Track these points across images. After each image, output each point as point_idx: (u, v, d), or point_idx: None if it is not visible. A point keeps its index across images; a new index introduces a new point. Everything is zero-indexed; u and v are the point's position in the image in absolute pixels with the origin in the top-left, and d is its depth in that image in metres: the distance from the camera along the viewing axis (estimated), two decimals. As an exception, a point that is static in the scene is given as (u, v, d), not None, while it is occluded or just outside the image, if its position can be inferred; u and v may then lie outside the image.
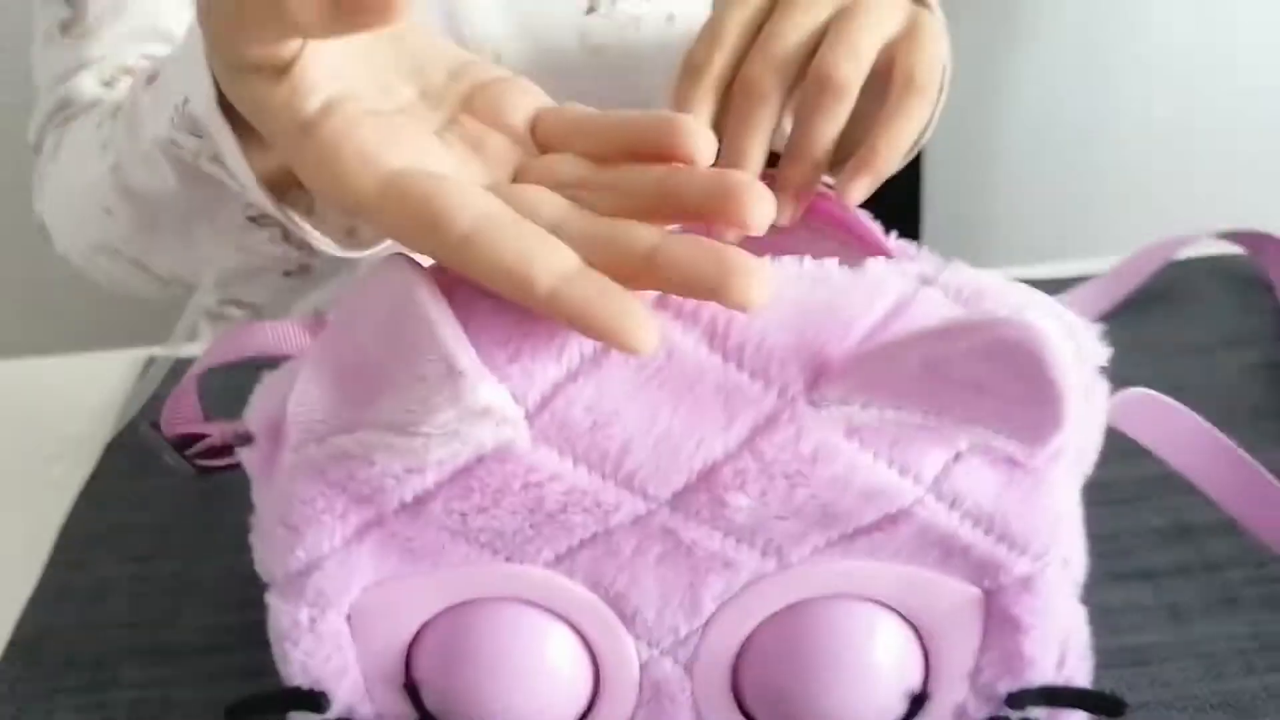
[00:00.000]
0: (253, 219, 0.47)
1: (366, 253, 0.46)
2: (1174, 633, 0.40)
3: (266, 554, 0.32)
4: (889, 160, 0.38)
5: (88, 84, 0.60)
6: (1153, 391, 0.36)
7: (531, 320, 0.29)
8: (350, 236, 0.45)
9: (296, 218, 0.42)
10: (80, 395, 0.58)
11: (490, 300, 0.30)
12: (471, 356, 0.28)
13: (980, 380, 0.28)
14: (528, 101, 0.35)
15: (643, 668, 0.33)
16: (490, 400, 0.28)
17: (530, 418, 0.29)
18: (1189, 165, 1.31)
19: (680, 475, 0.30)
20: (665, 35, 0.66)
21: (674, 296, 0.30)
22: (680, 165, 0.31)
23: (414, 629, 0.33)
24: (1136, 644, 0.40)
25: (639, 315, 0.27)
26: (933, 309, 0.30)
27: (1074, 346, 0.30)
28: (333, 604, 0.32)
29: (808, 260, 0.31)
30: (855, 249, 0.40)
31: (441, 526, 0.31)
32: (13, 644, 0.44)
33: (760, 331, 0.29)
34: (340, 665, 0.33)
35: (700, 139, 0.31)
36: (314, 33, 0.29)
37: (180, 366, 0.57)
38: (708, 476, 0.30)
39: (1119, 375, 0.34)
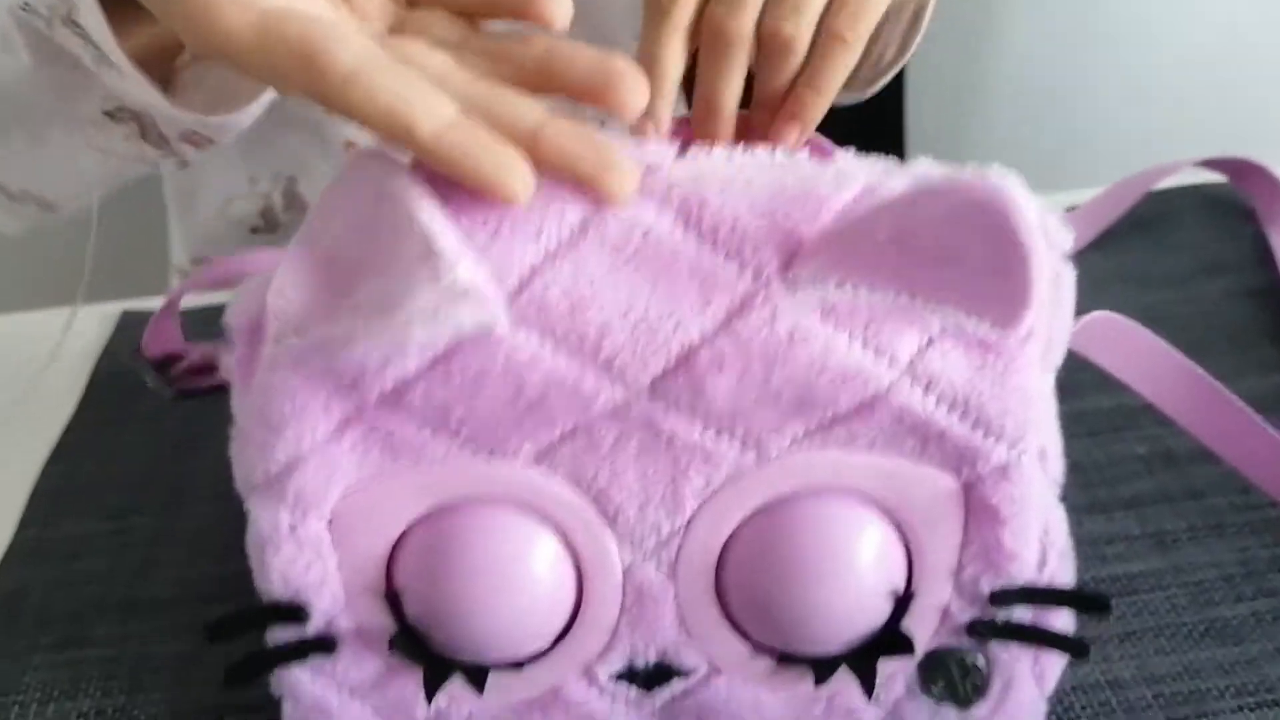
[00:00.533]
0: (109, 114, 0.46)
1: (226, 121, 0.44)
2: (1160, 560, 0.40)
3: (246, 458, 0.32)
4: (816, 108, 0.40)
5: None
6: (1117, 315, 0.37)
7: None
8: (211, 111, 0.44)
9: (150, 85, 0.40)
10: (51, 350, 0.57)
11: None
12: (450, 236, 0.29)
13: (949, 246, 0.29)
14: None
15: (626, 572, 0.33)
16: (469, 280, 0.28)
17: (509, 299, 0.30)
18: (1175, 93, 1.33)
19: (658, 359, 0.30)
20: None
21: (649, 180, 0.31)
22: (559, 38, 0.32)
23: (395, 534, 0.33)
24: (1123, 573, 0.40)
25: (518, 167, 0.29)
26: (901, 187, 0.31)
27: (1040, 230, 0.31)
28: (313, 507, 0.32)
29: (779, 151, 0.32)
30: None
31: (422, 419, 0.31)
32: None
33: (734, 213, 0.30)
34: (320, 574, 0.33)
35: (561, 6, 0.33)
36: None
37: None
38: (686, 360, 0.30)
39: (1100, 305, 0.35)
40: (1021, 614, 0.33)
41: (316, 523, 0.32)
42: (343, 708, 0.34)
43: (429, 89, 0.30)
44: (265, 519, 0.32)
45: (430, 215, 0.29)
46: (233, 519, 0.42)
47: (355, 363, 0.30)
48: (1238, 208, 0.60)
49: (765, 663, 0.34)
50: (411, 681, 0.34)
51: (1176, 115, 1.32)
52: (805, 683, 0.34)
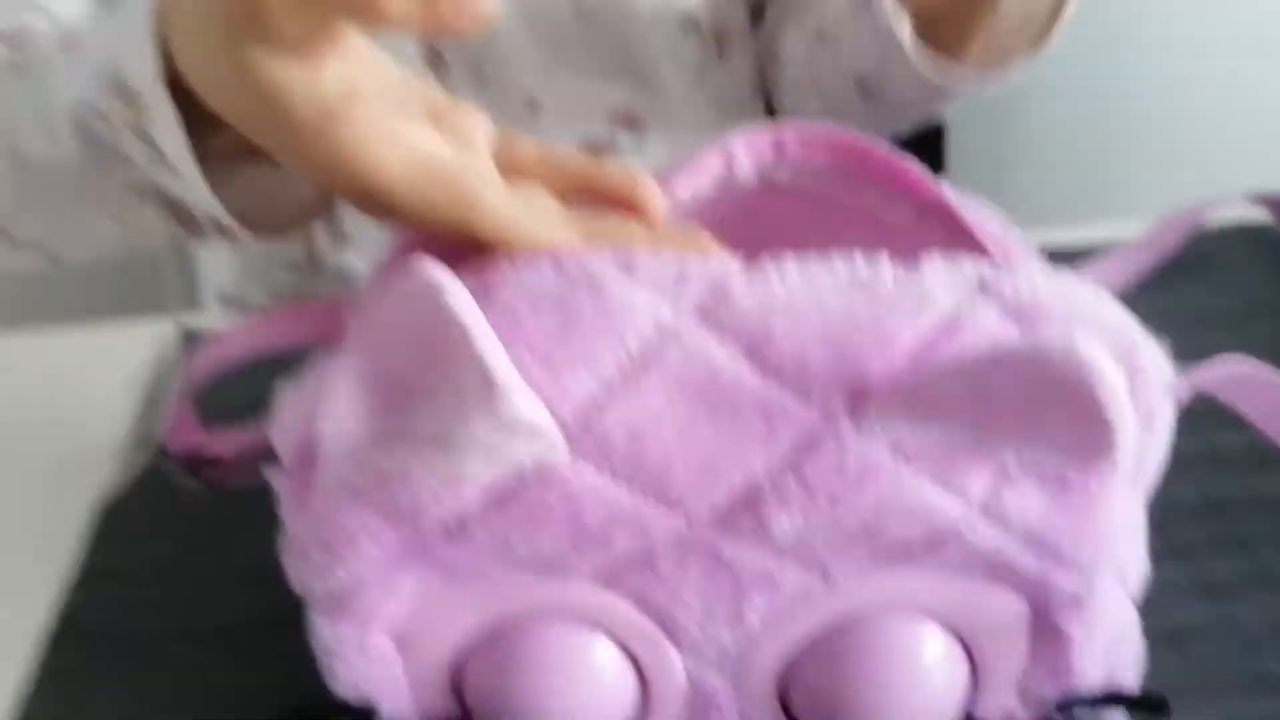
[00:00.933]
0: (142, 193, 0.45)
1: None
2: (1208, 611, 0.40)
3: (304, 572, 0.32)
4: None
5: None
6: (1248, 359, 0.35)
7: (567, 327, 0.29)
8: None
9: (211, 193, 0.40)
10: (105, 366, 0.57)
11: (526, 302, 0.30)
12: (507, 367, 0.28)
13: (1029, 409, 0.27)
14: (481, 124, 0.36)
15: (689, 679, 0.33)
16: (528, 415, 0.28)
17: (568, 433, 0.29)
18: (1216, 124, 1.28)
19: (721, 494, 0.29)
20: None
21: (714, 309, 0.29)
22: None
23: (459, 645, 0.33)
24: (1172, 626, 0.39)
25: None
26: (984, 328, 0.29)
27: (1136, 365, 0.29)
28: (376, 621, 0.32)
29: (857, 261, 0.30)
30: (933, 222, 0.38)
31: (483, 549, 0.31)
32: (53, 628, 0.44)
33: (801, 347, 0.29)
34: (387, 679, 0.33)
35: (655, 198, 0.35)
36: (396, 24, 0.29)
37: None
38: (749, 496, 0.29)
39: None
40: (1083, 713, 0.33)
41: (379, 635, 0.32)
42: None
43: (558, 223, 0.33)
44: (329, 631, 0.32)
45: (488, 343, 0.28)
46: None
47: (412, 498, 0.30)
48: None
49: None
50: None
51: (1218, 135, 1.26)
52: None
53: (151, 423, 0.52)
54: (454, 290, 0.29)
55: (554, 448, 0.28)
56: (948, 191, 0.37)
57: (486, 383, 0.27)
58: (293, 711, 0.34)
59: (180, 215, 0.43)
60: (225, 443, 0.37)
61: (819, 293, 0.29)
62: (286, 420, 0.32)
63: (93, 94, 0.41)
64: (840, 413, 0.29)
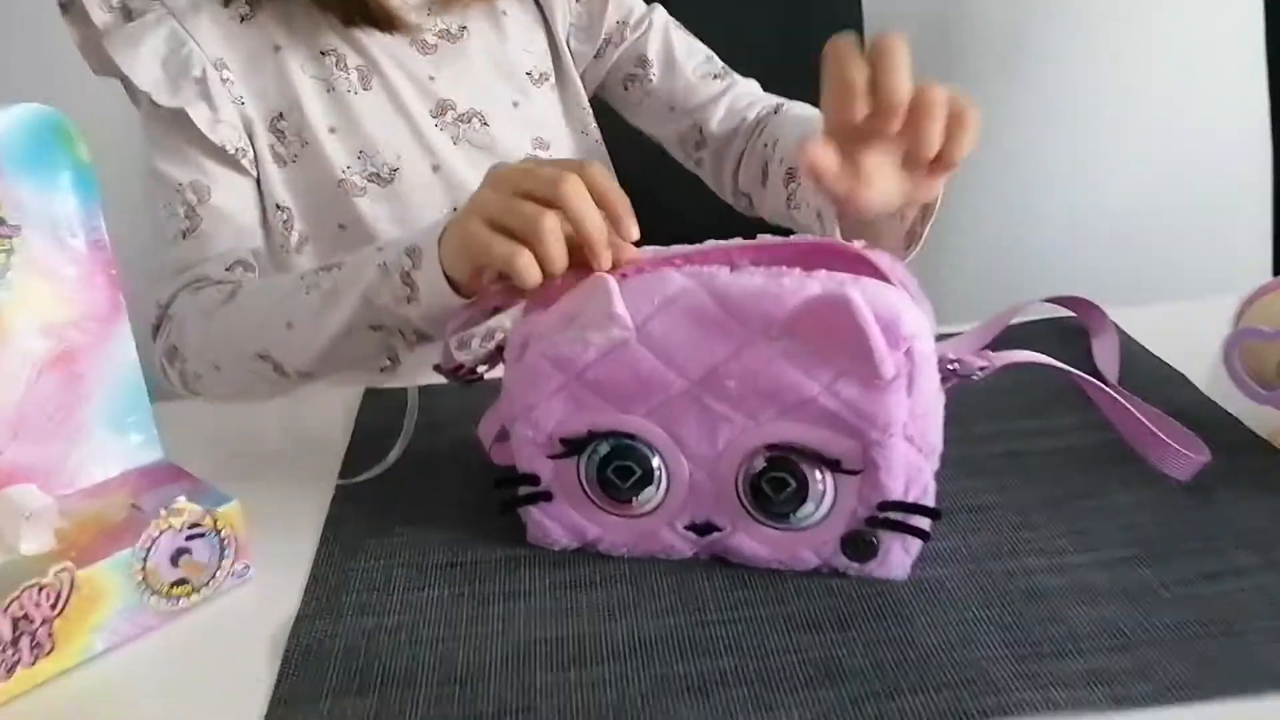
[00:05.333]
0: (374, 327, 0.80)
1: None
2: (998, 496, 0.69)
3: (512, 402, 0.67)
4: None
5: (214, 269, 0.96)
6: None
7: (641, 286, 0.63)
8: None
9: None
10: (324, 417, 0.91)
11: (638, 279, 0.64)
12: (618, 298, 0.62)
13: (836, 326, 0.59)
14: None
15: (690, 475, 0.65)
16: (620, 313, 0.62)
17: (636, 329, 0.63)
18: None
19: (701, 367, 0.62)
20: None
21: (709, 280, 0.63)
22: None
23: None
24: (975, 504, 0.69)
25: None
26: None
27: (900, 331, 0.60)
28: (542, 427, 0.67)
29: (789, 270, 0.63)
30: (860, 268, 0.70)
31: (595, 388, 0.65)
32: (325, 539, 0.72)
33: (743, 300, 0.62)
34: (545, 462, 0.67)
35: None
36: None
37: (387, 394, 0.93)
38: (715, 370, 0.62)
39: (970, 435, 0.64)
40: (896, 515, 0.63)
41: (543, 436, 0.67)
42: (555, 529, 0.69)
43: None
44: (520, 433, 0.67)
45: (613, 288, 0.63)
46: (470, 498, 0.78)
47: (565, 353, 0.64)
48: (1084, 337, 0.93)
49: (764, 529, 0.65)
50: (588, 521, 0.68)
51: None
52: (785, 542, 0.65)
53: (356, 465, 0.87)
54: (606, 277, 0.64)
55: (629, 332, 0.62)
56: (863, 249, 0.69)
57: (608, 299, 0.62)
58: (500, 479, 0.69)
59: (392, 338, 0.83)
60: (467, 363, 0.73)
61: (757, 276, 0.62)
62: (517, 329, 0.67)
63: (391, 257, 0.80)
64: (760, 334, 0.61)
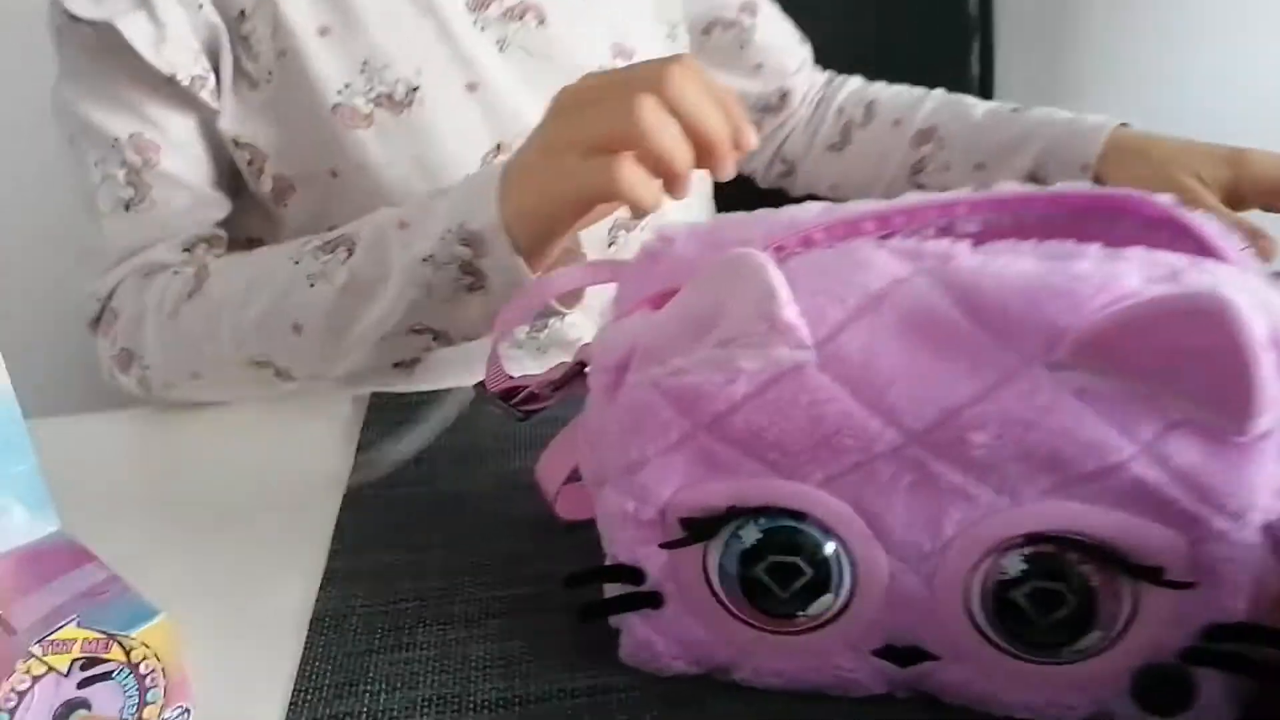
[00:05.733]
0: (417, 330, 0.64)
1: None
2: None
3: (604, 456, 0.42)
4: None
5: (167, 252, 0.74)
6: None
7: (826, 274, 0.38)
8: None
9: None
10: (325, 426, 0.69)
11: (801, 263, 0.39)
12: (787, 290, 0.37)
13: (1184, 355, 0.34)
14: None
15: (891, 577, 0.41)
16: (791, 320, 0.37)
17: (818, 347, 0.38)
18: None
19: (932, 411, 0.37)
20: None
21: (939, 268, 0.38)
22: None
23: (711, 526, 0.42)
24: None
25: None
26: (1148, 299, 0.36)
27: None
28: (652, 498, 0.42)
29: (1068, 244, 0.38)
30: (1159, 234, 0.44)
31: (741, 442, 0.40)
32: (316, 619, 0.50)
33: (1004, 302, 0.37)
34: (654, 550, 0.43)
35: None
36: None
37: (398, 399, 0.70)
38: (955, 415, 0.37)
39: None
40: (1231, 647, 0.39)
41: (653, 510, 0.42)
42: (664, 647, 0.44)
43: None
44: (615, 503, 0.42)
45: (773, 270, 0.38)
46: (509, 555, 0.54)
47: (696, 386, 0.39)
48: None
49: (1000, 659, 0.41)
50: (712, 638, 0.43)
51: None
52: (1032, 678, 0.41)
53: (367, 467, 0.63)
54: (756, 254, 0.39)
55: (806, 351, 0.37)
56: (1175, 208, 0.43)
57: (768, 293, 0.37)
58: (581, 571, 0.44)
59: (438, 339, 0.64)
60: (535, 382, 0.47)
61: (1026, 263, 0.37)
62: (609, 339, 0.42)
63: (439, 247, 0.60)
64: (1035, 358, 0.37)
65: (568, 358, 0.47)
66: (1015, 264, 0.37)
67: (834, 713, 0.43)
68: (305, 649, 0.49)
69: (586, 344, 0.44)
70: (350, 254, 0.64)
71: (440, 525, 0.57)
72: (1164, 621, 0.39)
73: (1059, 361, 0.36)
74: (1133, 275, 0.37)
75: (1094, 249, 0.38)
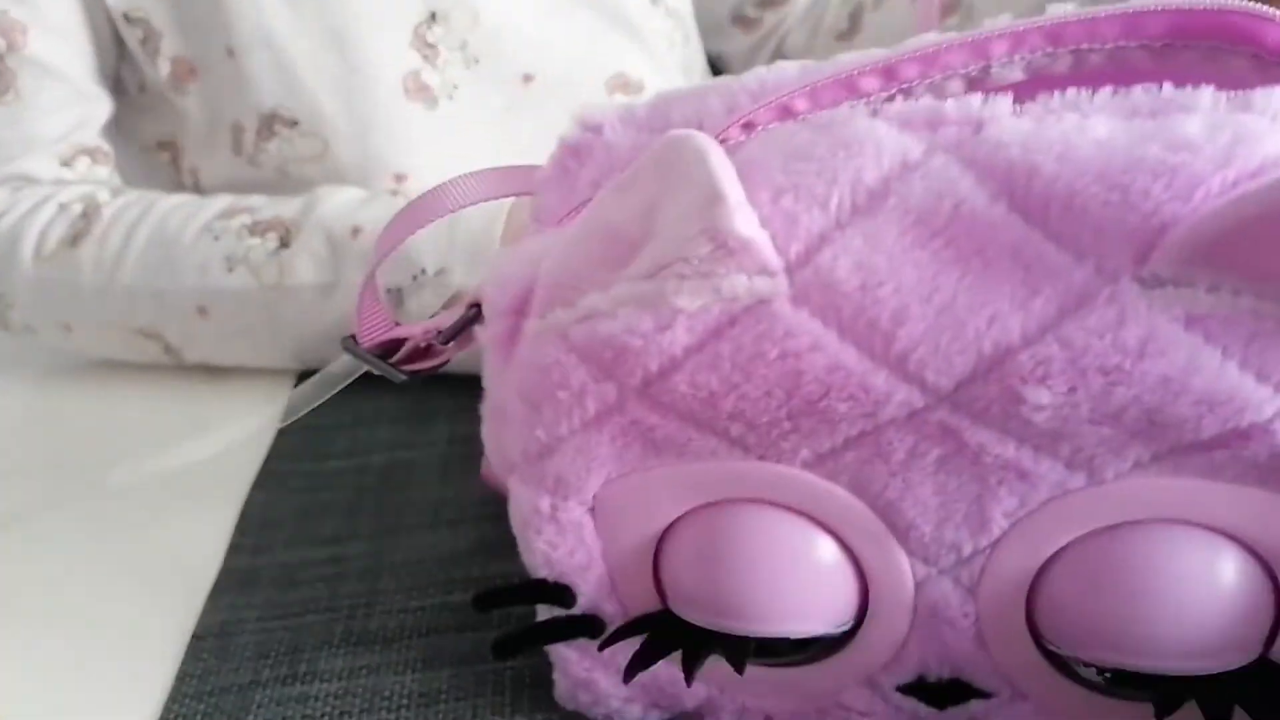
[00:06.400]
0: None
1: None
2: None
3: (503, 437, 0.30)
4: None
5: (41, 164, 0.61)
6: None
7: (799, 160, 0.25)
8: None
9: None
10: (245, 383, 0.58)
11: (761, 148, 0.26)
12: (736, 186, 0.25)
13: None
14: None
15: (918, 587, 0.28)
16: (748, 234, 0.25)
17: (790, 270, 0.25)
18: None
19: (965, 358, 0.25)
20: None
21: (966, 142, 0.25)
22: None
23: (660, 527, 0.30)
24: None
25: None
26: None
27: None
28: (573, 492, 0.30)
29: (1149, 90, 0.25)
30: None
31: (687, 412, 0.27)
32: (197, 637, 0.39)
33: (1073, 187, 0.24)
34: (584, 560, 0.31)
35: None
36: None
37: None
38: (1000, 363, 0.25)
39: None
40: None
41: (578, 508, 0.30)
42: (611, 686, 0.33)
43: None
44: (526, 499, 0.30)
45: (722, 164, 0.25)
46: (448, 549, 0.42)
47: (618, 336, 0.27)
48: None
49: (1081, 693, 0.29)
50: (678, 668, 0.32)
51: None
52: (1134, 715, 0.29)
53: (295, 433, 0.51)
54: (699, 135, 0.26)
55: (772, 278, 0.25)
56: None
57: (712, 197, 0.24)
58: (491, 590, 0.33)
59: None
60: (420, 331, 0.35)
61: (1101, 125, 0.24)
62: (502, 270, 0.30)
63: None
64: (1121, 271, 0.24)
65: None
66: (1085, 128, 0.24)
67: (849, 766, 0.31)
68: (176, 680, 0.38)
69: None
70: (283, 244, 0.53)
71: (368, 511, 0.45)
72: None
73: (1158, 275, 0.23)
74: (1272, 136, 0.23)
75: (1206, 96, 0.24)
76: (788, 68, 0.31)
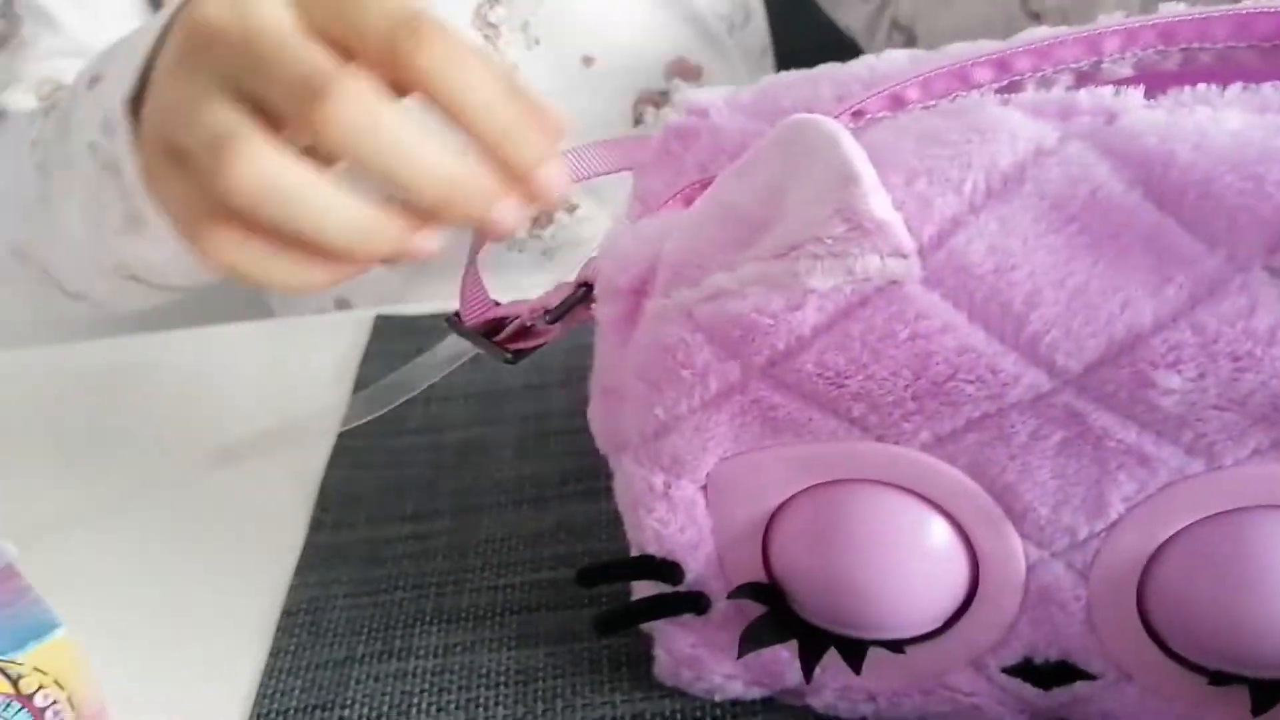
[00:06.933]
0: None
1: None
2: None
3: (614, 417, 0.31)
4: None
5: (21, 97, 0.57)
6: None
7: (934, 145, 0.26)
8: None
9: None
10: (316, 358, 0.57)
11: (894, 132, 0.27)
12: (869, 166, 0.25)
13: None
14: None
15: (1030, 570, 0.29)
16: (883, 215, 0.25)
17: (923, 253, 0.26)
18: None
19: (1097, 342, 0.25)
20: None
21: (1102, 130, 0.25)
22: None
23: (772, 506, 0.30)
24: None
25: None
26: None
27: None
28: (687, 470, 0.30)
29: (1278, 88, 0.25)
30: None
31: (811, 392, 0.28)
32: (288, 613, 0.40)
33: (1208, 175, 0.24)
34: (694, 537, 0.31)
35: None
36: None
37: (409, 323, 0.57)
38: (1132, 348, 0.25)
39: None
40: None
41: (691, 486, 0.31)
42: (714, 663, 0.33)
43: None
44: (640, 477, 0.31)
45: (853, 145, 0.25)
46: (532, 527, 0.43)
47: (747, 315, 0.27)
48: None
49: (1189, 678, 0.29)
50: (783, 648, 0.32)
51: None
52: (1237, 704, 0.29)
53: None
54: (826, 119, 0.26)
55: (905, 260, 0.25)
56: None
57: (846, 177, 0.25)
58: (598, 565, 0.33)
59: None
60: (525, 310, 0.35)
61: (1234, 118, 0.25)
62: (620, 250, 0.30)
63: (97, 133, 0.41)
64: (1253, 259, 0.24)
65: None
66: (1220, 120, 0.25)
67: (949, 746, 0.32)
68: (270, 656, 0.38)
69: (594, 257, 0.32)
70: (56, 118, 0.48)
71: (449, 488, 0.46)
72: None
73: (1292, 261, 0.24)
74: None
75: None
76: (898, 57, 0.32)
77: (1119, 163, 0.25)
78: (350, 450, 0.49)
